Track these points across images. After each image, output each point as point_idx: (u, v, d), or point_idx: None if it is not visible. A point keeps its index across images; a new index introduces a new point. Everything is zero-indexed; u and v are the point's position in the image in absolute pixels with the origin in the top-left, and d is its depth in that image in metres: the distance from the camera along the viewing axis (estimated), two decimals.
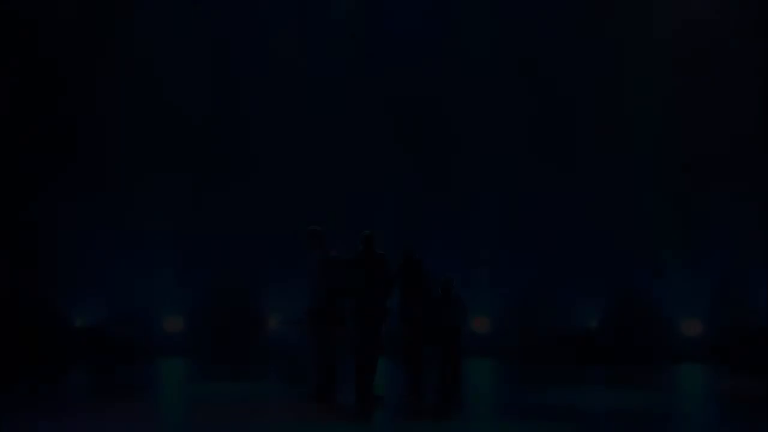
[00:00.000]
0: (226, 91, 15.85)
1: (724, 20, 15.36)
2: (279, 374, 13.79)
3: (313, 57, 15.79)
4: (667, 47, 15.40)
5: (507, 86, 15.62)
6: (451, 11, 15.89)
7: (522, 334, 15.46)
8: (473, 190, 15.64)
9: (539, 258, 15.44)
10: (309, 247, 10.79)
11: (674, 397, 12.22)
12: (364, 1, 16.07)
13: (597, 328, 15.57)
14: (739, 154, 15.11)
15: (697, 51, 15.27)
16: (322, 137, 15.53)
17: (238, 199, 15.44)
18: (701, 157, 15.17)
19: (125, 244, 15.45)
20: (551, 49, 15.51)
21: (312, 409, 10.22)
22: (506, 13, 15.73)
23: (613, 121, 15.42)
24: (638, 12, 15.60)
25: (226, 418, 9.66)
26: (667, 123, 15.33)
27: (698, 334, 15.44)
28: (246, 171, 15.60)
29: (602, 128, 15.41)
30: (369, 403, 10.45)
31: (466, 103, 15.73)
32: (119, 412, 9.97)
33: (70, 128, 15.58)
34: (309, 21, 15.99)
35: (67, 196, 15.40)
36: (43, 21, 15.58)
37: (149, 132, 15.65)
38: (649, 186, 15.36)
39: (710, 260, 15.19)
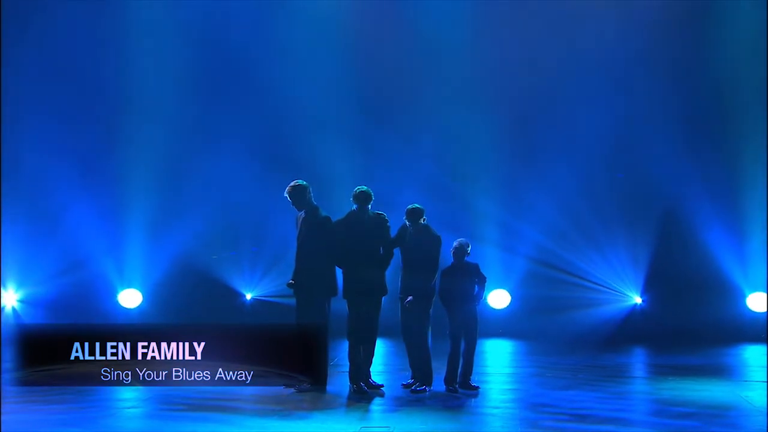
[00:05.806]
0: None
1: None
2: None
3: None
4: None
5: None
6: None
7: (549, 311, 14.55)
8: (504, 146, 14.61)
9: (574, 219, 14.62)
10: (295, 205, 9.88)
11: (740, 387, 10.59)
12: None
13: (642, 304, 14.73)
14: None
15: None
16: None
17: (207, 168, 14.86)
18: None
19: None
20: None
21: (297, 397, 9.32)
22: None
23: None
24: None
25: (202, 407, 8.88)
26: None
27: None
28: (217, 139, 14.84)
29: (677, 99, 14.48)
30: (365, 391, 9.60)
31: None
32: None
33: None
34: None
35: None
36: None
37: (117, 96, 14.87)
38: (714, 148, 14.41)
39: None
